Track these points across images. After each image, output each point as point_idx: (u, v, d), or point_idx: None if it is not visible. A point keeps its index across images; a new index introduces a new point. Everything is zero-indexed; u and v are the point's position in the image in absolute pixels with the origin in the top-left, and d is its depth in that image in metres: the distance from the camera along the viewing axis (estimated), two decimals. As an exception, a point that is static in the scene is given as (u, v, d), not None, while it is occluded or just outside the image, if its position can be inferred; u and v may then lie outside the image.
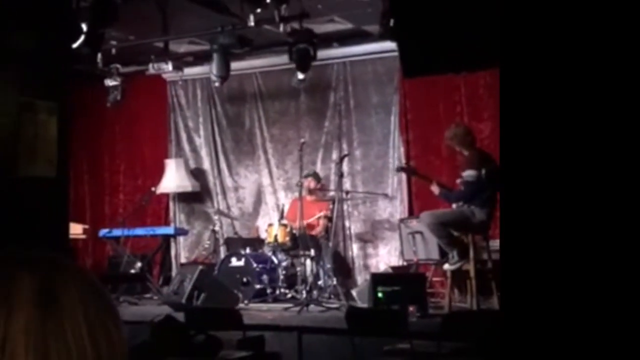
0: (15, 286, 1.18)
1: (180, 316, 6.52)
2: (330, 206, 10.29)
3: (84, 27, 7.29)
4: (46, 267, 1.22)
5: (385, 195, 10.77)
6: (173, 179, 11.77)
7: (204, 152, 12.22)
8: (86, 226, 11.50)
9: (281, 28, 9.02)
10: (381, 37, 8.47)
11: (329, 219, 10.21)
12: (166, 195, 12.13)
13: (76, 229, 10.51)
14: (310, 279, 9.38)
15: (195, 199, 12.14)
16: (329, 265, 9.70)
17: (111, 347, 1.19)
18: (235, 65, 10.08)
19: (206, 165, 12.18)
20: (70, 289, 1.19)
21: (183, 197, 12.17)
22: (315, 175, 10.61)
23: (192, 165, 12.21)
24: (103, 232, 11.22)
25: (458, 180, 8.39)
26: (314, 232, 10.07)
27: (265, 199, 11.72)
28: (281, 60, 10.34)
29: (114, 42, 10.00)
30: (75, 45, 7.03)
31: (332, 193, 10.73)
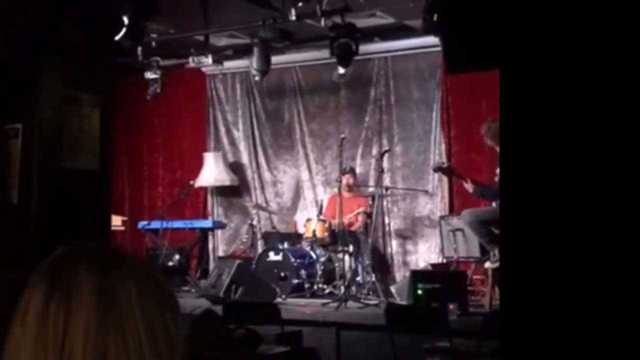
0: (74, 285, 1.17)
1: (218, 309, 6.51)
2: (370, 202, 10.23)
3: (125, 19, 7.29)
4: (104, 263, 1.21)
5: (426, 192, 10.69)
6: (211, 172, 11.78)
7: (242, 146, 12.22)
8: (125, 218, 11.58)
9: (323, 22, 8.99)
10: (424, 32, 8.39)
11: (368, 215, 10.15)
12: (204, 188, 12.16)
13: (115, 221, 10.56)
14: (348, 275, 9.35)
15: (234, 192, 12.14)
16: (367, 262, 9.66)
17: (170, 342, 1.20)
18: (275, 59, 10.05)
19: (245, 159, 12.17)
20: (128, 286, 1.19)
21: (221, 191, 12.18)
22: (352, 172, 10.55)
23: (231, 159, 12.21)
24: (142, 224, 11.26)
25: (496, 179, 8.29)
26: (352, 228, 10.02)
27: (304, 193, 11.69)
28: (322, 54, 10.31)
29: (154, 35, 10.02)
30: (116, 38, 7.03)
31: (371, 189, 10.66)
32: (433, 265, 9.75)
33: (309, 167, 11.64)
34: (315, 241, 9.93)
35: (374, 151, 11.06)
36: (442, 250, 9.55)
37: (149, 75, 10.58)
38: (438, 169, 9.50)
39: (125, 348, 1.15)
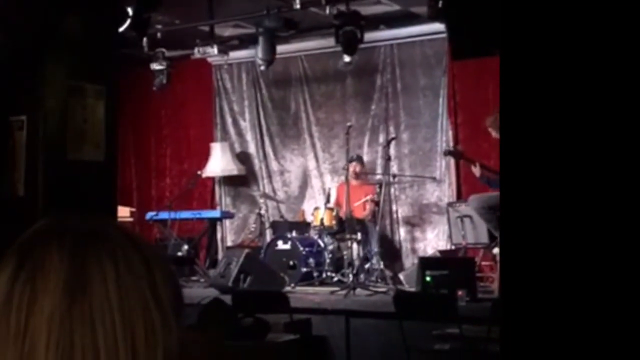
0: (41, 266, 1.02)
1: (226, 299, 6.52)
2: (377, 190, 10.22)
3: (130, 11, 7.29)
4: (79, 240, 1.04)
5: (433, 179, 10.68)
6: (219, 162, 11.80)
7: (249, 136, 12.22)
8: (133, 209, 11.60)
9: (327, 10, 8.96)
10: (429, 19, 8.36)
11: (376, 202, 10.14)
12: (212, 178, 12.17)
13: (123, 212, 10.60)
14: (357, 263, 9.35)
15: (241, 182, 12.15)
16: (376, 249, 9.66)
17: (151, 336, 1.03)
18: (280, 48, 10.04)
19: (252, 148, 12.18)
20: (105, 270, 1.02)
21: (229, 181, 12.19)
22: (359, 160, 10.53)
23: (238, 149, 12.22)
24: (150, 215, 11.29)
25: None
26: (360, 216, 10.02)
27: (311, 182, 11.69)
28: (327, 43, 10.29)
29: (159, 26, 10.02)
30: (121, 30, 7.03)
31: (379, 177, 10.66)
32: (441, 252, 9.76)
33: (316, 156, 11.64)
34: (323, 229, 9.93)
35: (381, 139, 11.05)
36: (450, 236, 9.56)
37: (155, 66, 10.59)
38: (448, 152, 9.50)
39: (93, 344, 0.99)
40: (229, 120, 12.36)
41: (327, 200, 10.23)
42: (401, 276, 9.27)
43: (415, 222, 10.85)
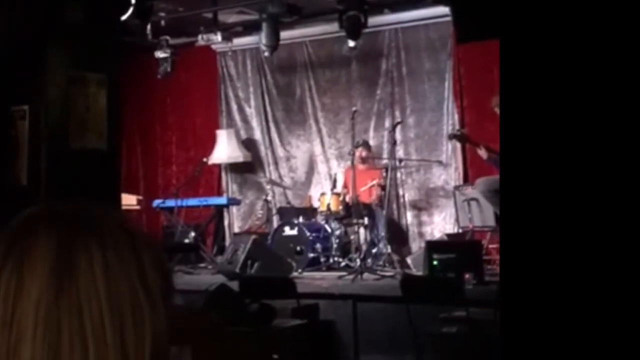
0: (29, 252, 1.00)
1: (234, 285, 6.53)
2: (384, 174, 10.20)
3: (132, -1, 7.28)
4: (67, 227, 1.03)
5: (440, 163, 10.66)
6: (224, 149, 11.79)
7: (255, 123, 12.21)
8: (140, 197, 11.60)
9: (331, -5, 8.94)
10: (434, 2, 8.33)
11: (383, 187, 10.13)
12: (218, 165, 12.17)
13: (130, 200, 10.61)
14: (364, 247, 9.35)
15: (247, 169, 12.15)
16: (383, 234, 9.65)
17: (139, 324, 1.01)
18: (284, 34, 10.01)
19: (257, 135, 12.17)
20: (93, 255, 1.00)
21: (235, 168, 12.19)
22: (366, 144, 10.51)
23: (243, 135, 12.21)
24: (157, 202, 11.30)
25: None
26: (367, 201, 10.00)
27: (318, 168, 11.68)
28: (331, 28, 10.26)
29: (162, 14, 9.99)
30: (124, 18, 7.01)
31: (385, 161, 10.64)
32: (448, 235, 9.74)
33: (322, 142, 11.62)
34: (330, 215, 9.93)
35: (387, 123, 11.02)
36: (457, 220, 9.55)
37: (159, 54, 10.58)
38: (453, 136, 9.47)
39: (80, 331, 0.98)
40: (234, 107, 12.34)
41: (334, 186, 10.22)
42: (408, 260, 9.27)
43: (422, 206, 10.84)
